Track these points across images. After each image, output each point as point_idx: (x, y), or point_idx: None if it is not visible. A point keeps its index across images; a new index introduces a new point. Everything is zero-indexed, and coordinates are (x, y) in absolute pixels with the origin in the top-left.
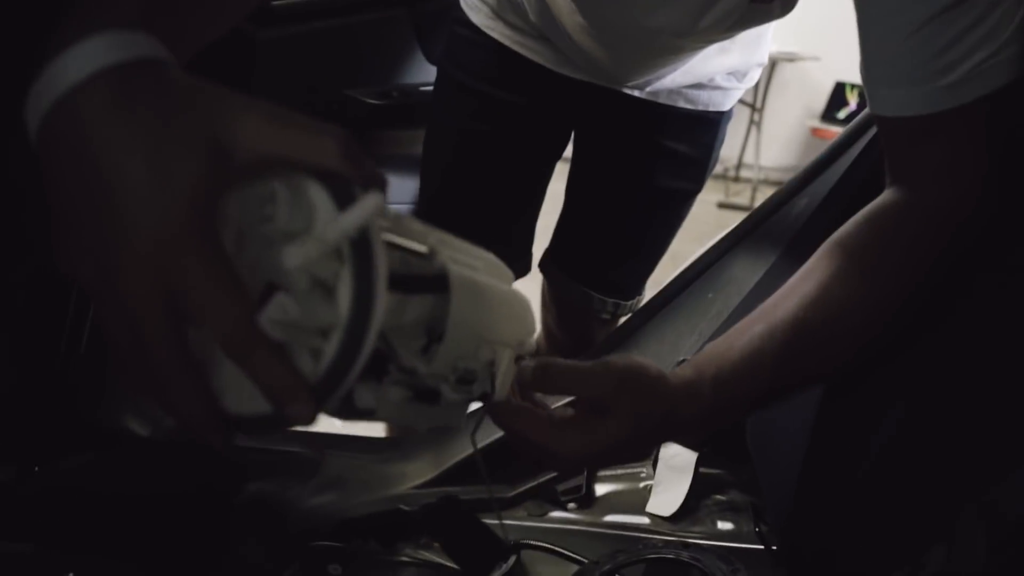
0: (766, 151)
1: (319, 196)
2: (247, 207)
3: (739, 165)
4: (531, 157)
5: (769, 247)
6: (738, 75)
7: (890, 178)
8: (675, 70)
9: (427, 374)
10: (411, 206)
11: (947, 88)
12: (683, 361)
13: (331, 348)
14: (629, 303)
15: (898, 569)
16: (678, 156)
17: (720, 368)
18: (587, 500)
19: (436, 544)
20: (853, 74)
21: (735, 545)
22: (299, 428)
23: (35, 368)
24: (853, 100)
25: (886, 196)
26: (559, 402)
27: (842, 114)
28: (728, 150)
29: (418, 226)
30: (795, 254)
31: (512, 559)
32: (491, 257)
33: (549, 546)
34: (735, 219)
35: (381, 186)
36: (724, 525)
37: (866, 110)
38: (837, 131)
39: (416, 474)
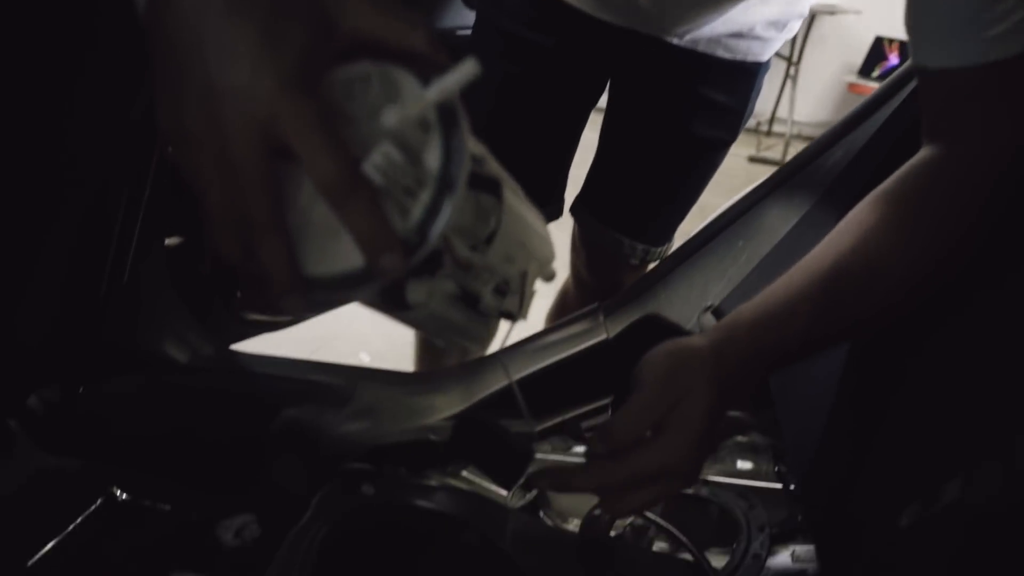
0: (801, 105)
1: (406, 79)
2: (339, 87)
3: (772, 119)
4: (566, 102)
5: (802, 197)
6: (778, 25)
7: (927, 135)
8: (717, 18)
9: (480, 268)
10: None
11: (995, 39)
12: (711, 306)
13: (423, 200)
14: (659, 250)
15: (912, 503)
16: (715, 105)
17: (756, 314)
18: None
19: (464, 472)
20: (893, 29)
21: (754, 483)
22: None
23: (80, 296)
24: (893, 56)
25: (924, 153)
26: None
27: (880, 70)
28: (762, 104)
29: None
30: (829, 205)
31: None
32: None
33: None
34: (766, 174)
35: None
36: (743, 464)
37: (907, 63)
38: (874, 87)
39: (445, 406)
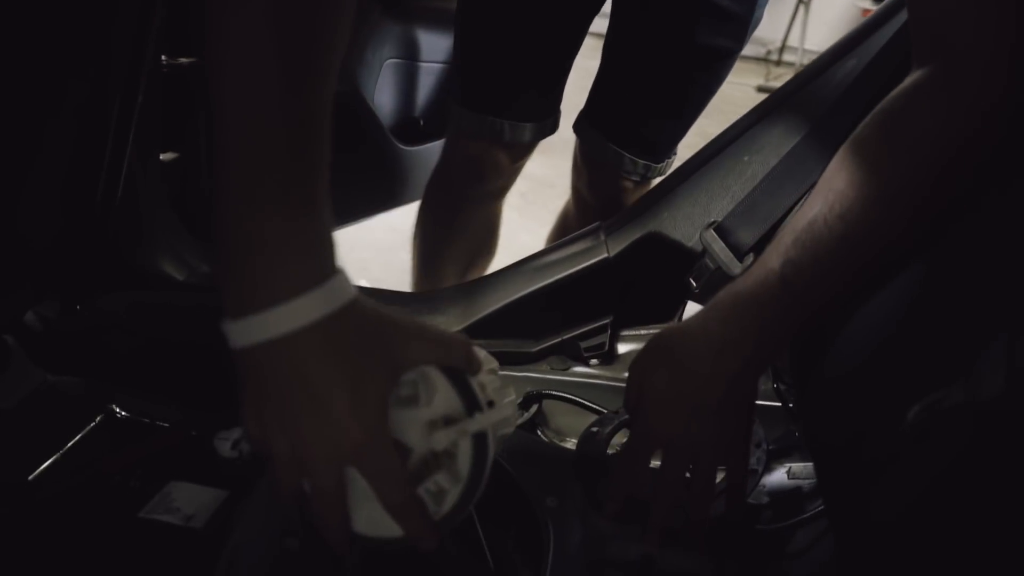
0: (812, 33)
1: (441, 382)
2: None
3: (783, 48)
4: (567, 9)
5: (810, 111)
6: None
7: (917, 59)
8: None
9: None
10: (444, 64)
11: None
12: (714, 222)
13: (453, 497)
14: (659, 165)
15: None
16: (720, 11)
17: (782, 242)
18: (609, 357)
19: None
20: None
21: None
22: None
23: (78, 213)
24: None
25: (915, 76)
26: None
27: None
28: (772, 32)
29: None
30: (833, 121)
31: (534, 408)
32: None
33: (570, 396)
34: None
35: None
36: None
37: None
38: None
39: (444, 326)
